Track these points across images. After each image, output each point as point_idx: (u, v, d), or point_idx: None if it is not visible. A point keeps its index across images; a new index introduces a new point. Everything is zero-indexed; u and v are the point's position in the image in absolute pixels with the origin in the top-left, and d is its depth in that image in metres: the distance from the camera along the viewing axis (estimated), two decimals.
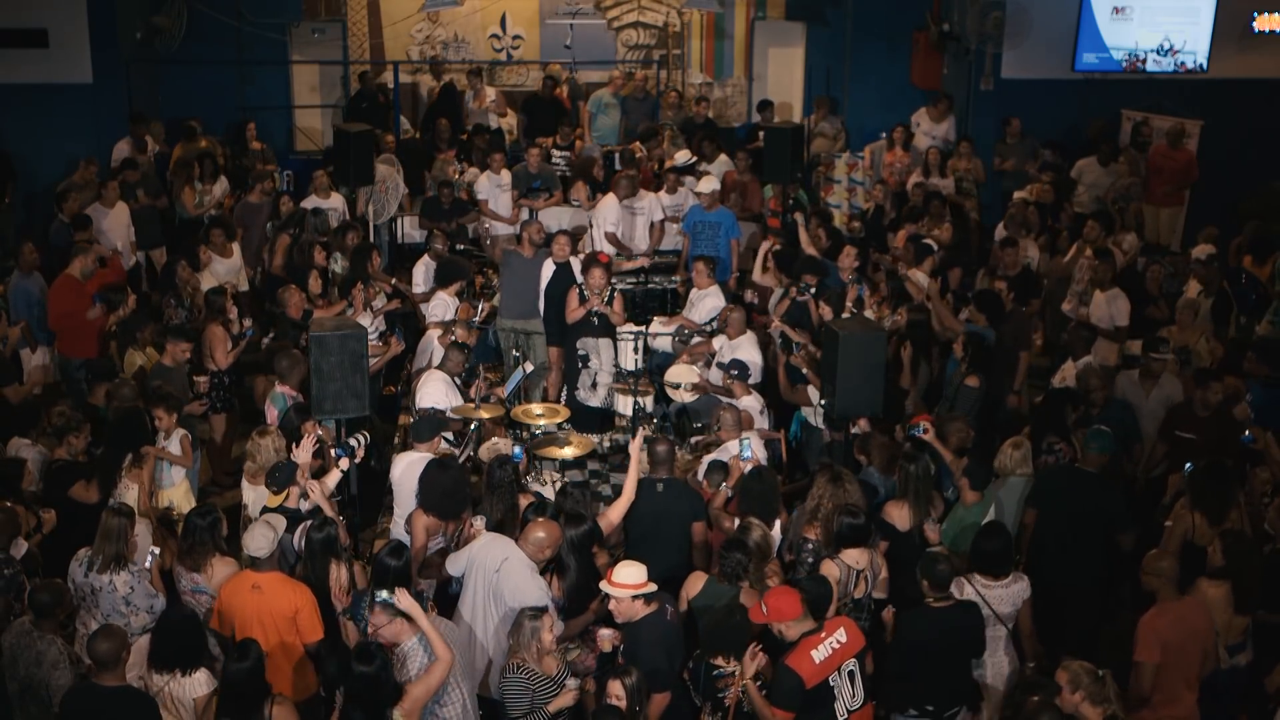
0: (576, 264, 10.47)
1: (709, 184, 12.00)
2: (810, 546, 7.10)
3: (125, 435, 8.06)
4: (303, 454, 7.30)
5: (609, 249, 11.73)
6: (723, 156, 13.70)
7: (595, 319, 10.16)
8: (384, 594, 5.92)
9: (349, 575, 6.70)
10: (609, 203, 12.22)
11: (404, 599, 5.91)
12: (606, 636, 6.26)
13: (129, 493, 7.65)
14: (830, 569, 6.72)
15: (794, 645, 5.92)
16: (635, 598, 6.10)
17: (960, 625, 6.42)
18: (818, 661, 5.87)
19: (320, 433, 7.29)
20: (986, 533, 6.88)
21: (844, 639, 5.99)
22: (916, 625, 6.43)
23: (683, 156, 13.18)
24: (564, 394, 10.38)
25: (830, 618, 6.21)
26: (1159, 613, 6.43)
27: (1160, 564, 6.56)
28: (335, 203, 12.70)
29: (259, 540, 6.40)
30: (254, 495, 7.53)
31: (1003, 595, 6.70)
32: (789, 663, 5.85)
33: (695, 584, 6.58)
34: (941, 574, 6.41)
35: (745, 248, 12.42)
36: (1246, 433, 8.23)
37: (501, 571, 6.46)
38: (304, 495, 7.09)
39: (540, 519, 6.80)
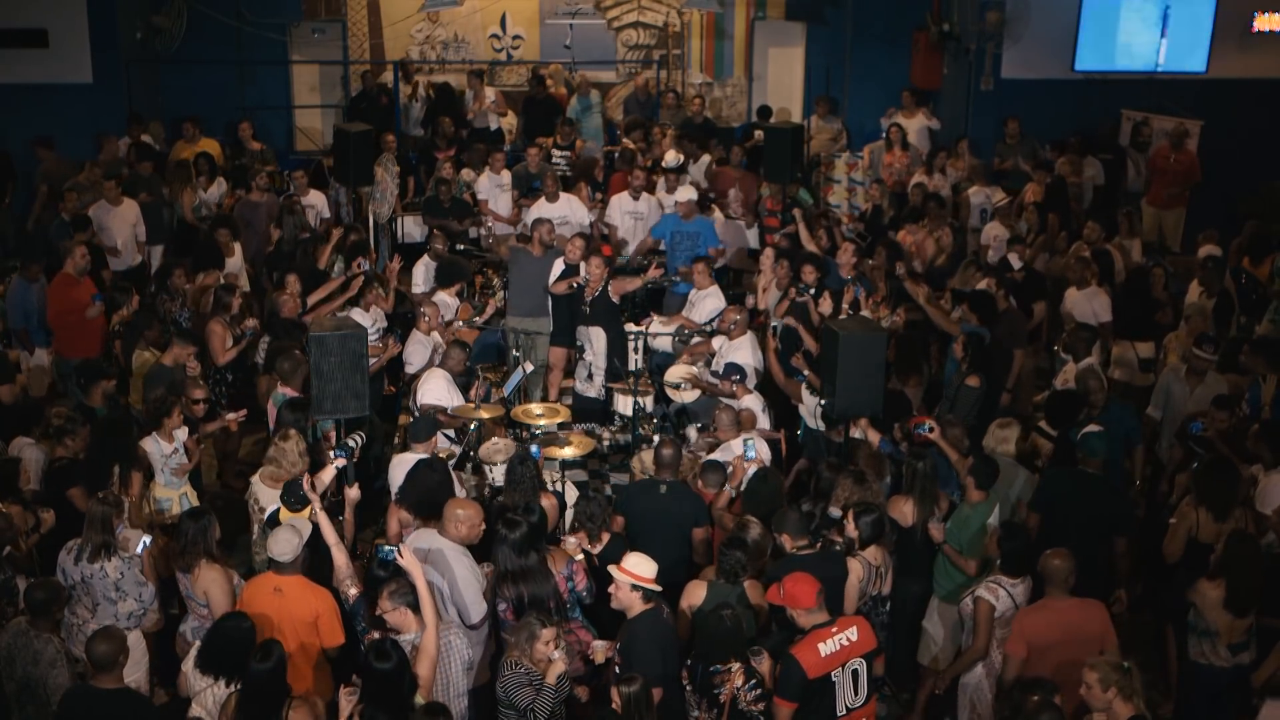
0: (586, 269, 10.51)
1: (686, 193, 11.91)
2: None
3: (110, 443, 7.88)
4: (325, 477, 7.28)
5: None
6: (706, 156, 13.79)
7: (587, 308, 10.21)
8: (387, 548, 6.10)
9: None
10: (611, 202, 12.46)
11: (406, 556, 6.04)
12: (599, 648, 6.29)
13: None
14: (855, 567, 6.75)
15: (803, 636, 5.96)
16: (635, 589, 6.11)
17: (825, 576, 6.39)
18: (823, 655, 5.90)
19: (341, 462, 7.29)
20: (1008, 534, 6.91)
21: (854, 637, 6.02)
22: (781, 575, 6.43)
23: (672, 158, 13.15)
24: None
25: (848, 615, 6.26)
26: (1035, 609, 6.47)
27: (1052, 562, 6.49)
28: (314, 200, 12.76)
29: (284, 545, 6.36)
30: (268, 496, 7.51)
31: (1024, 591, 6.78)
32: (794, 652, 5.89)
33: (697, 593, 6.56)
34: (798, 522, 6.68)
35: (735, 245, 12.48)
36: (1196, 421, 8.37)
37: (429, 561, 6.51)
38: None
39: (457, 499, 6.86)
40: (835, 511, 7.16)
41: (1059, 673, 6.15)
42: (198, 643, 6.17)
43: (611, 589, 6.18)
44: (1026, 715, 5.56)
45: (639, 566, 6.18)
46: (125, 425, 8.04)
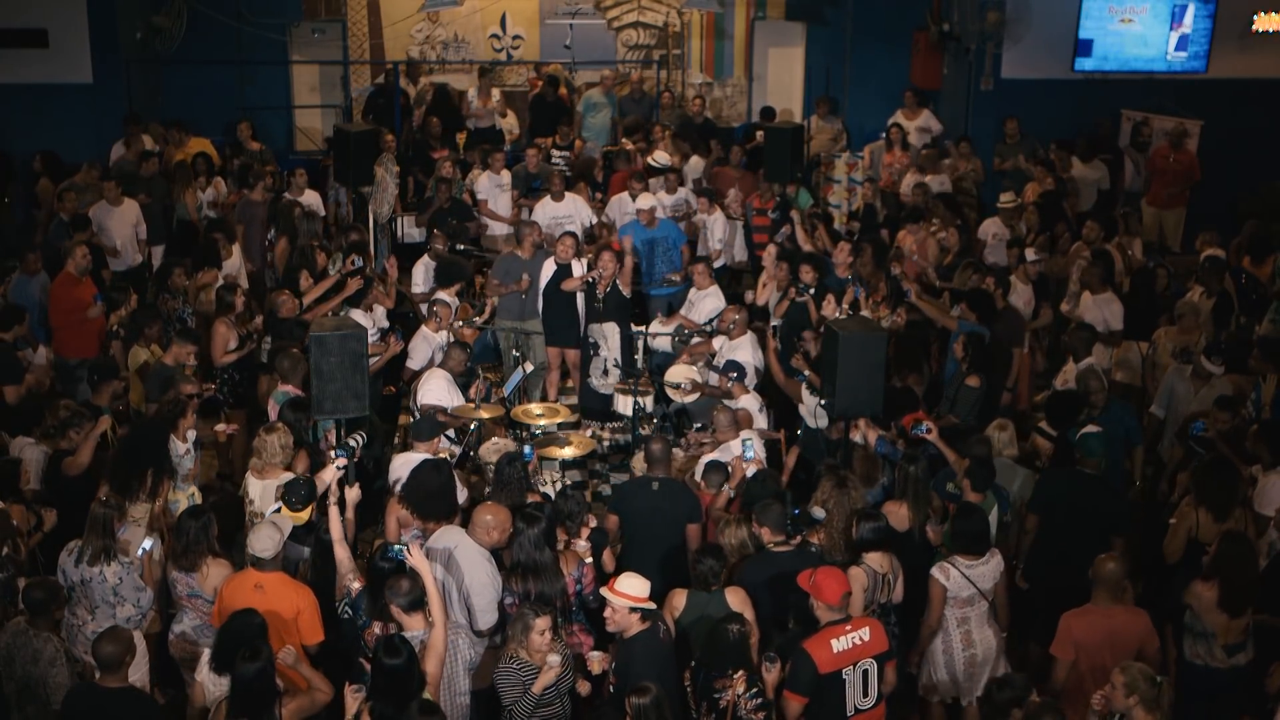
0: (578, 267, 10.49)
1: (646, 200, 11.86)
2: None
3: (144, 447, 7.82)
4: (327, 475, 7.26)
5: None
6: (696, 158, 13.79)
7: (600, 304, 10.23)
8: (396, 546, 6.14)
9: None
10: (611, 201, 12.52)
11: (415, 553, 6.04)
12: (596, 658, 6.28)
13: (138, 507, 7.59)
14: (858, 575, 6.69)
15: (817, 630, 5.99)
16: (633, 610, 6.07)
17: (797, 570, 6.37)
18: (835, 651, 5.93)
19: (342, 462, 7.28)
20: (963, 514, 6.90)
21: (866, 637, 6.04)
22: (755, 571, 6.57)
23: (662, 158, 13.12)
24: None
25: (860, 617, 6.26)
26: (1081, 613, 6.45)
27: (1105, 566, 6.47)
28: (310, 199, 12.77)
29: (264, 541, 6.38)
30: (259, 489, 7.51)
31: (984, 573, 6.78)
32: (806, 646, 5.92)
33: (678, 601, 6.54)
34: (778, 516, 6.72)
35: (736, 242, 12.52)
36: (1198, 421, 8.36)
37: (450, 561, 6.53)
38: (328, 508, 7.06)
39: (489, 503, 6.86)
40: (818, 512, 7.16)
41: (1093, 676, 6.19)
42: (208, 651, 6.11)
43: (607, 613, 6.12)
44: (1027, 715, 5.56)
45: (633, 587, 6.10)
46: (161, 430, 8.00)
